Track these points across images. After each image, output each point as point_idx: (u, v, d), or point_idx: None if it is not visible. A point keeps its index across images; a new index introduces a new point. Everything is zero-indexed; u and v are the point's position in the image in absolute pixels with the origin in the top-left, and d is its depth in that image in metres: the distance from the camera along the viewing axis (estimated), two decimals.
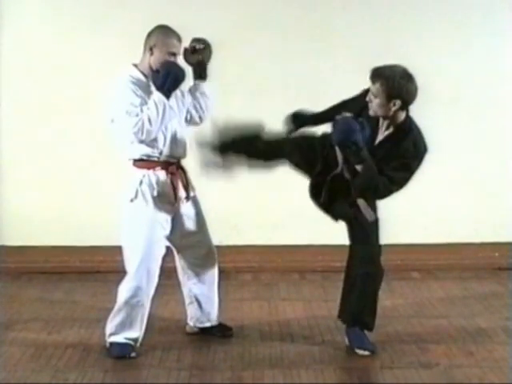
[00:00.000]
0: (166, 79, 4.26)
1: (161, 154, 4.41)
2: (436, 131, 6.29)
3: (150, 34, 4.39)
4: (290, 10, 6.22)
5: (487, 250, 6.34)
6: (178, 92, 4.46)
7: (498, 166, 6.37)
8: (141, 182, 4.38)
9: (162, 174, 4.41)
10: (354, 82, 6.15)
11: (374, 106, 4.21)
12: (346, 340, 4.56)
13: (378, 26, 6.23)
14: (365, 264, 4.47)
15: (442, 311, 5.27)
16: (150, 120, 4.24)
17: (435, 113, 6.30)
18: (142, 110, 4.25)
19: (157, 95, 4.27)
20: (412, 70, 6.33)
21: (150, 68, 4.36)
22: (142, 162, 4.40)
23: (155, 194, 4.38)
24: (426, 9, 6.29)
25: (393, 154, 4.23)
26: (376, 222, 4.47)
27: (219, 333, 4.74)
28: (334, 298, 4.75)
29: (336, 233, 6.08)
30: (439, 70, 6.27)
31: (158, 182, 4.39)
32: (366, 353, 4.45)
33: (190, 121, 4.62)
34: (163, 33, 4.36)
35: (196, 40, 4.52)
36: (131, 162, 4.43)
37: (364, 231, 4.48)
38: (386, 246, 6.22)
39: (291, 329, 4.88)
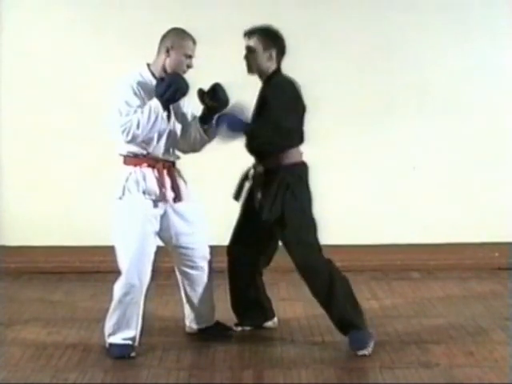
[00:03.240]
0: (167, 89, 4.25)
1: (148, 153, 4.42)
2: (435, 129, 6.35)
3: (165, 36, 4.39)
4: (289, 10, 6.22)
5: (487, 250, 6.34)
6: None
7: (498, 165, 6.37)
8: (127, 179, 4.40)
9: (148, 172, 4.41)
10: (354, 82, 6.22)
11: (251, 60, 4.55)
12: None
13: (377, 26, 6.24)
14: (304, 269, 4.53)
15: (441, 311, 5.27)
16: (138, 124, 4.25)
17: (435, 111, 6.30)
18: (135, 112, 4.26)
19: (154, 103, 4.27)
20: (412, 68, 6.39)
21: (164, 69, 4.37)
22: (130, 159, 4.43)
23: (141, 190, 4.39)
24: (426, 8, 6.29)
25: (263, 99, 4.52)
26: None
27: (217, 332, 4.74)
28: None
29: (336, 233, 6.10)
30: (439, 69, 6.28)
31: (144, 179, 4.40)
32: (366, 352, 4.45)
33: (181, 145, 4.56)
34: (180, 35, 4.38)
35: (214, 93, 4.42)
36: (122, 159, 4.46)
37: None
38: (386, 246, 6.29)
39: (291, 329, 4.88)
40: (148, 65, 4.44)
